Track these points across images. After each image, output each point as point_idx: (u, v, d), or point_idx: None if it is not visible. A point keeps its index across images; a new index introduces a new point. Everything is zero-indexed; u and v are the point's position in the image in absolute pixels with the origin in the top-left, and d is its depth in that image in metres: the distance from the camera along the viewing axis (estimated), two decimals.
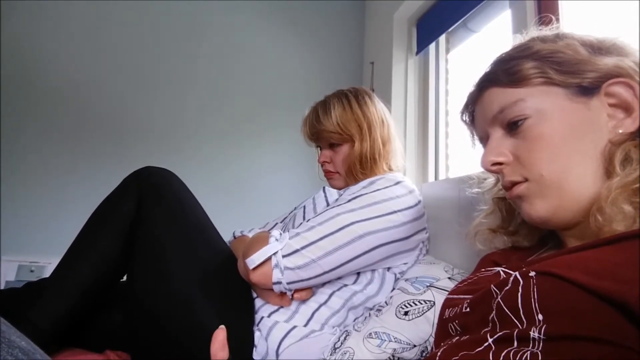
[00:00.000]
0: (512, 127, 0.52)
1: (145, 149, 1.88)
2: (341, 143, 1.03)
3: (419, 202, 0.92)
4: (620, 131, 0.47)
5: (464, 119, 0.63)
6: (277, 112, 2.08)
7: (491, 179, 0.68)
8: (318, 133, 1.05)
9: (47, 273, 1.50)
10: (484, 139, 0.58)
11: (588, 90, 0.49)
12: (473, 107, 0.60)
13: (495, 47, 1.36)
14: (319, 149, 1.11)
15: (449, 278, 0.82)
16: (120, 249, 0.82)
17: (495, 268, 0.54)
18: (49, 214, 1.71)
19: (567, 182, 0.48)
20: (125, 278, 0.86)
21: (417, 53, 1.77)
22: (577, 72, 0.49)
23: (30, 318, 0.73)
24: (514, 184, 0.52)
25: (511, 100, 0.52)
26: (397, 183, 0.91)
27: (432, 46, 1.71)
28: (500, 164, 0.53)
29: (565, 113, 0.49)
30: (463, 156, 1.52)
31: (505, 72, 0.53)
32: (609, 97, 0.49)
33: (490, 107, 0.54)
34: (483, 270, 0.58)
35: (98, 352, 0.85)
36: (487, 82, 0.56)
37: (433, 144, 1.66)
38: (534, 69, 0.51)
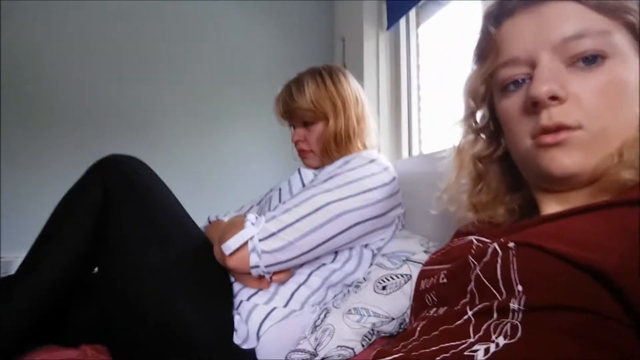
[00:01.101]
0: (583, 61, 0.43)
1: (109, 136, 1.82)
2: (315, 121, 1.02)
3: (394, 178, 0.92)
4: None
5: (491, 16, 0.50)
6: (248, 91, 2.04)
7: (468, 137, 0.59)
8: (291, 111, 1.02)
9: (14, 268, 1.44)
10: (520, 62, 0.47)
11: None
12: (514, 10, 0.48)
13: (466, 18, 1.36)
14: (292, 127, 1.09)
15: (425, 251, 0.84)
16: (88, 241, 0.79)
17: (467, 237, 0.54)
18: (12, 207, 1.64)
19: (614, 142, 0.43)
20: (97, 270, 0.84)
21: (387, 28, 1.75)
22: None
23: None
24: (562, 128, 0.43)
25: (598, 28, 0.43)
26: (372, 161, 0.91)
27: (402, 21, 1.69)
28: (556, 98, 0.43)
29: (636, 67, 0.43)
30: (435, 131, 1.53)
31: None
32: None
33: (561, 25, 0.43)
34: (456, 239, 0.58)
35: (74, 347, 0.83)
36: None
37: (406, 119, 1.67)
38: (634, 4, 0.43)
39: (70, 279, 0.79)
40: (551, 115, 0.44)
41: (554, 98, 0.43)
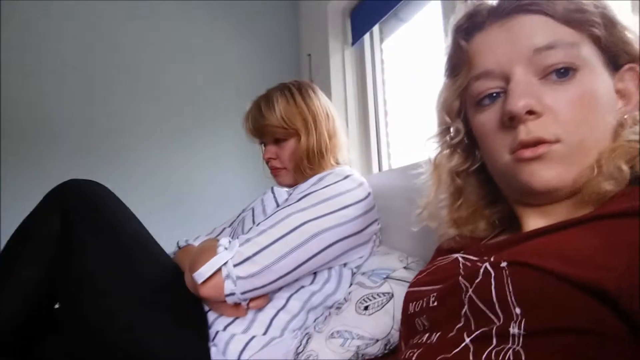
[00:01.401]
0: (555, 74, 0.43)
1: (66, 158, 1.72)
2: (286, 138, 0.99)
3: (369, 194, 0.91)
4: (626, 116, 0.45)
5: (460, 30, 0.50)
6: (214, 108, 1.99)
7: (444, 152, 0.59)
8: (262, 128, 1.00)
9: None
10: (493, 76, 0.47)
11: (616, 66, 0.46)
12: (485, 24, 0.48)
13: (425, 35, 1.40)
14: (262, 145, 1.07)
15: (405, 267, 0.83)
16: (47, 271, 0.74)
17: (451, 255, 0.53)
18: None
19: (592, 154, 0.43)
20: (58, 303, 0.78)
21: (352, 44, 1.78)
22: (623, 43, 0.45)
23: None
24: (540, 142, 0.43)
25: (567, 40, 0.43)
26: (346, 177, 0.89)
27: (366, 37, 1.73)
28: (533, 112, 0.43)
29: (605, 78, 0.44)
30: (404, 144, 1.56)
31: (567, 5, 0.43)
32: (619, 81, 0.46)
33: (532, 36, 0.44)
34: (439, 258, 0.57)
35: None
36: (536, 6, 0.44)
37: (374, 133, 1.68)
38: (598, 18, 0.43)
39: (33, 309, 0.75)
40: (529, 130, 0.44)
41: (531, 112, 0.43)
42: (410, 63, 1.51)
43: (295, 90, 1.01)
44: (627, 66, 0.46)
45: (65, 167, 1.66)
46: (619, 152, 0.42)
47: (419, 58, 1.43)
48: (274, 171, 1.04)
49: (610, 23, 0.45)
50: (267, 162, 1.05)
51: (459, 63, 0.52)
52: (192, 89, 1.98)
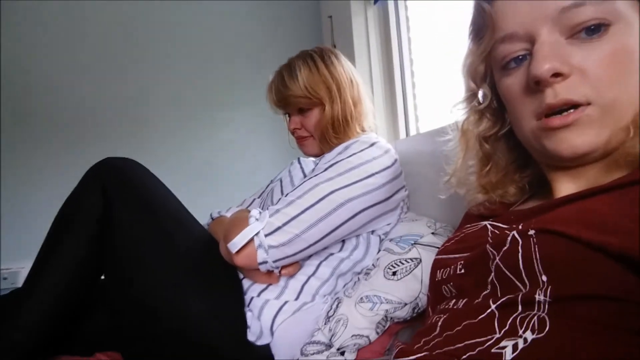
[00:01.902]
0: (585, 32, 0.40)
1: (100, 141, 1.79)
2: (311, 107, 0.99)
3: (396, 160, 0.90)
4: None
5: (482, 3, 0.48)
6: (239, 79, 1.99)
7: (471, 118, 0.57)
8: (285, 99, 0.99)
9: (21, 278, 1.44)
10: (517, 38, 0.44)
11: None
12: None
13: None
14: (287, 116, 1.06)
15: (433, 233, 0.83)
16: (91, 248, 0.78)
17: (480, 222, 0.53)
18: (16, 217, 1.63)
19: (626, 114, 0.40)
20: (103, 277, 0.83)
21: (375, 2, 1.70)
22: None
23: (8, 335, 0.70)
24: (570, 105, 0.41)
25: None
26: (372, 144, 0.89)
27: None
28: (559, 75, 0.41)
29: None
30: (432, 106, 1.51)
31: None
32: None
33: None
34: (468, 225, 0.57)
35: (87, 356, 0.83)
36: None
37: (401, 97, 1.63)
38: None
39: (77, 288, 0.79)
40: (557, 93, 0.41)
41: (557, 75, 0.41)
42: (438, 19, 1.43)
43: (317, 58, 0.99)
44: None
45: (91, 146, 1.73)
46: None
47: (447, 13, 1.35)
48: (300, 141, 1.04)
49: None
50: (293, 133, 1.04)
51: (483, 26, 0.49)
52: (213, 60, 1.97)
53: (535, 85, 0.43)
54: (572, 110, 0.42)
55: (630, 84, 0.41)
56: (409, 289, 0.76)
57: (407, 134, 1.57)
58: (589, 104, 0.41)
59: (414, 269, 0.77)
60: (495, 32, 0.47)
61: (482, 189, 0.57)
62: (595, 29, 0.40)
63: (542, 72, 0.41)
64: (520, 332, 0.34)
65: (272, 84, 1.02)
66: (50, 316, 0.75)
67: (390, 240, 0.87)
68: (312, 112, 0.99)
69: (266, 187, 1.11)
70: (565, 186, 0.48)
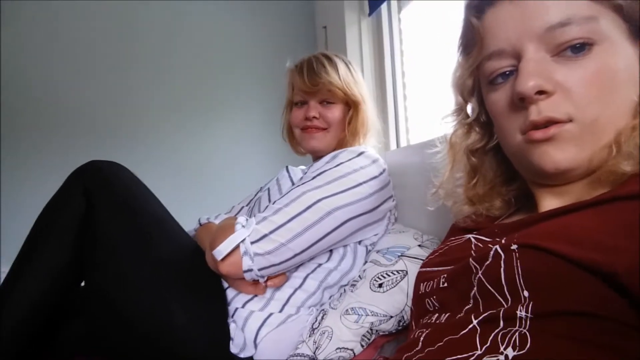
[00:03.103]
0: (570, 50, 0.40)
1: (87, 141, 1.77)
2: (335, 102, 0.99)
3: (384, 170, 0.90)
4: None
5: (471, 7, 0.49)
6: (231, 85, 1.99)
7: (459, 131, 0.57)
8: (320, 84, 0.96)
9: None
10: (504, 54, 0.45)
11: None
12: (492, 4, 0.46)
13: (445, 3, 1.33)
14: (296, 105, 1.03)
15: (419, 246, 0.83)
16: (71, 253, 0.77)
17: (464, 235, 0.53)
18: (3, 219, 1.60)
19: (607, 133, 0.41)
20: (84, 282, 0.81)
21: (369, 14, 1.71)
22: None
23: None
24: (552, 122, 0.42)
25: (583, 13, 0.40)
26: (360, 154, 0.89)
27: (384, 6, 1.66)
28: (544, 92, 0.41)
29: (626, 51, 0.41)
30: (423, 118, 1.52)
31: None
32: None
33: (544, 13, 0.41)
34: (452, 238, 0.56)
35: None
36: None
37: (392, 108, 1.65)
38: None
39: (59, 291, 0.77)
40: (540, 110, 0.42)
41: (540, 92, 0.42)
42: (430, 32, 1.44)
43: (352, 66, 1.03)
44: None
45: (84, 149, 1.71)
46: (636, 131, 0.40)
47: (439, 27, 1.37)
48: (310, 132, 1.00)
49: None
50: (305, 122, 1.00)
51: (471, 41, 0.50)
52: (207, 67, 1.97)
53: (520, 102, 0.43)
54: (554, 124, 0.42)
55: (611, 103, 0.41)
56: (394, 302, 0.75)
57: (398, 145, 1.58)
58: (570, 120, 0.42)
59: (400, 282, 0.77)
60: (483, 47, 0.48)
61: (469, 201, 0.57)
62: (579, 48, 0.41)
63: (526, 89, 0.41)
64: (502, 348, 0.34)
65: (306, 67, 0.98)
66: (26, 322, 0.73)
67: (377, 251, 0.86)
68: (336, 107, 0.99)
69: (254, 195, 1.10)
70: (549, 202, 0.48)
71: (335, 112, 0.99)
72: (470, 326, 0.38)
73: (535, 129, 0.43)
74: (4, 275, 1.50)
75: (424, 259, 0.78)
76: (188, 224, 0.99)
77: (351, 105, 0.99)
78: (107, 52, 1.82)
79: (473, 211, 0.57)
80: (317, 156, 1.02)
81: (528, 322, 0.34)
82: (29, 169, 1.69)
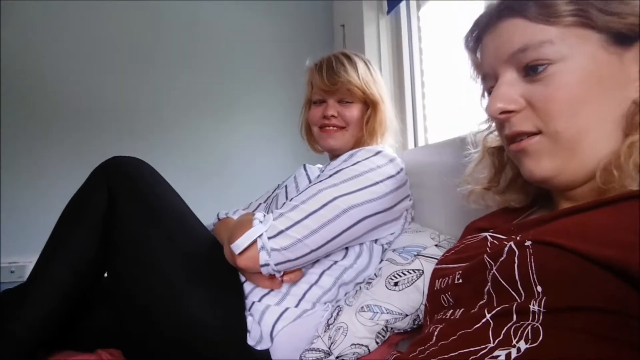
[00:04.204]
0: (531, 70, 0.45)
1: (111, 137, 1.83)
2: (354, 101, 1.00)
3: (401, 169, 0.91)
4: None
5: (468, 45, 0.55)
6: (249, 84, 2.02)
7: (481, 122, 0.62)
8: (340, 83, 0.97)
9: (28, 272, 1.46)
10: (490, 78, 0.51)
11: (626, 38, 0.43)
12: (482, 34, 0.52)
13: (464, 0, 1.31)
14: (315, 104, 1.03)
15: (436, 245, 0.83)
16: (96, 245, 0.79)
17: (481, 234, 0.53)
18: (23, 211, 1.66)
19: (581, 144, 0.44)
20: (107, 274, 0.84)
21: (388, 12, 1.71)
22: (622, 14, 0.42)
23: (10, 329, 0.71)
24: (522, 135, 0.47)
25: (538, 39, 0.44)
26: (377, 153, 0.89)
27: (403, 4, 1.65)
28: (510, 112, 0.47)
29: (596, 64, 0.43)
30: (441, 117, 1.51)
31: (536, 3, 0.45)
32: None
33: (509, 42, 0.47)
34: (469, 237, 0.57)
35: (89, 352, 0.84)
36: (511, 10, 0.47)
37: (410, 107, 1.64)
38: (571, 4, 0.44)
39: (82, 284, 0.80)
40: (511, 125, 0.48)
41: (505, 113, 0.47)
42: (449, 31, 1.43)
43: (371, 65, 1.03)
44: None
45: (106, 145, 1.76)
46: (636, 149, 0.41)
47: (458, 25, 1.36)
48: (328, 131, 1.01)
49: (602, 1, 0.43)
50: (323, 120, 1.01)
51: (475, 69, 0.57)
52: (225, 65, 2.00)
53: (494, 120, 0.50)
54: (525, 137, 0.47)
55: (578, 114, 0.44)
56: (410, 300, 0.76)
57: (416, 144, 1.57)
58: (540, 132, 0.46)
59: (416, 281, 0.77)
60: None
61: (490, 192, 0.60)
62: (535, 68, 0.45)
63: (491, 112, 0.48)
64: (514, 341, 0.34)
65: (325, 66, 0.99)
66: (53, 312, 0.75)
67: (393, 250, 0.87)
68: (354, 106, 1.00)
69: (272, 192, 1.11)
70: (565, 204, 0.49)
71: (353, 111, 0.99)
72: (484, 320, 0.38)
73: (512, 142, 0.48)
74: (12, 267, 1.56)
75: None
76: (206, 219, 1.01)
77: (369, 105, 0.99)
78: (129, 50, 1.87)
79: (493, 202, 0.60)
80: (334, 155, 1.03)
81: (541, 316, 0.35)
82: (43, 163, 1.74)
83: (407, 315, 0.75)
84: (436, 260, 0.78)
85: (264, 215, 0.81)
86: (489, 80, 0.52)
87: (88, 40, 1.83)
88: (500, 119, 0.48)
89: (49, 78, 1.77)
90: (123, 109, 1.86)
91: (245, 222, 0.81)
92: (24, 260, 1.59)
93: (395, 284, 0.77)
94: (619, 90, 0.43)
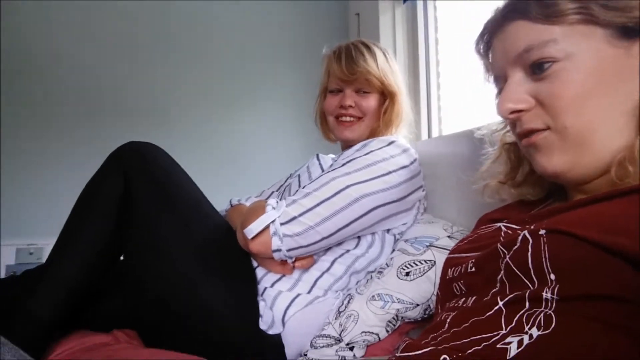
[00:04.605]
0: (537, 69, 0.46)
1: (126, 124, 1.84)
2: (371, 92, 0.98)
3: (415, 160, 0.90)
4: None
5: (479, 49, 0.57)
6: (263, 72, 2.01)
7: (498, 121, 0.63)
8: (359, 72, 0.95)
9: (46, 254, 1.49)
10: (500, 79, 0.52)
11: (633, 31, 0.43)
12: (491, 37, 0.53)
13: None
14: (332, 93, 1.02)
15: (449, 237, 0.82)
16: (112, 229, 0.80)
17: (495, 224, 0.53)
18: (42, 194, 1.70)
19: (591, 138, 0.44)
20: (122, 258, 0.86)
21: (404, 1, 1.68)
22: (626, 8, 0.43)
23: (30, 309, 0.73)
24: (533, 131, 0.48)
25: (541, 39, 0.46)
26: (391, 143, 0.89)
27: None
28: (520, 111, 0.48)
29: (602, 59, 0.44)
30: (456, 108, 1.49)
31: (538, 3, 0.46)
32: None
33: (515, 43, 0.48)
34: (483, 227, 0.57)
35: (106, 333, 0.86)
36: (515, 12, 0.48)
37: (425, 97, 1.62)
38: (573, 2, 0.44)
39: (99, 267, 0.81)
40: (522, 123, 0.49)
41: (515, 112, 0.48)
42: (467, 20, 1.40)
43: (389, 55, 1.02)
44: None
45: (119, 133, 1.78)
46: None
47: (475, 15, 1.33)
48: (344, 123, 1.00)
49: None
50: (340, 109, 1.00)
51: (487, 71, 0.58)
52: (239, 54, 2.00)
53: (506, 120, 0.51)
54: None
55: (585, 110, 0.44)
56: (421, 290, 0.76)
57: (429, 135, 1.56)
58: (548, 128, 0.47)
59: (427, 271, 0.77)
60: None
61: (507, 182, 0.60)
62: (540, 66, 0.46)
63: (502, 112, 0.49)
64: (526, 328, 0.35)
65: (344, 54, 0.98)
66: (73, 294, 0.77)
67: (405, 240, 0.87)
68: (372, 96, 0.99)
69: (285, 181, 1.12)
70: (578, 195, 0.49)
71: (370, 102, 0.98)
72: (496, 307, 0.39)
73: (524, 137, 0.49)
74: (30, 249, 1.60)
75: None
76: (219, 206, 1.02)
77: (387, 96, 0.98)
78: (138, 37, 1.87)
79: (509, 195, 0.60)
80: (347, 145, 1.03)
81: (554, 303, 0.35)
82: (60, 148, 1.77)
83: (418, 305, 0.75)
84: (448, 252, 0.78)
85: (277, 202, 0.82)
86: (500, 82, 0.53)
87: (99, 27, 1.83)
88: (511, 118, 0.49)
89: (49, 79, 1.78)
90: (136, 96, 1.87)
91: (259, 208, 0.81)
92: (42, 243, 1.63)
93: (407, 274, 0.77)
94: (628, 83, 0.43)
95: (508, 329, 0.36)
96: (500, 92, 0.53)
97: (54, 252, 0.81)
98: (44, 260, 0.85)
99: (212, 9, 1.97)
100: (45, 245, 1.63)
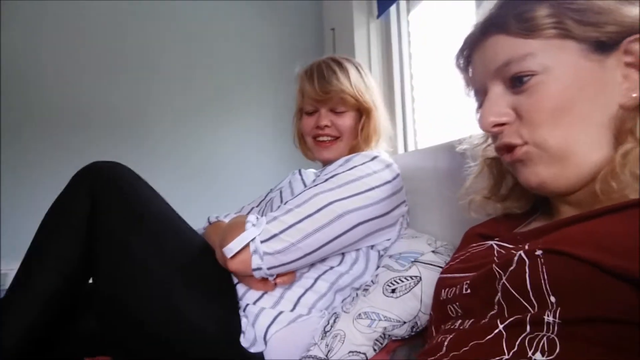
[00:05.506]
0: (516, 82, 0.47)
1: (92, 139, 1.78)
2: (347, 110, 0.97)
3: (397, 175, 0.90)
4: (634, 95, 0.43)
5: (459, 64, 0.57)
6: (239, 87, 2.00)
7: (478, 135, 0.63)
8: (332, 92, 0.93)
9: (9, 280, 1.40)
10: (480, 93, 0.53)
11: (606, 46, 0.44)
12: (470, 52, 0.54)
13: (454, 5, 1.33)
14: (307, 114, 1.00)
15: (433, 252, 0.82)
16: (80, 251, 0.77)
17: (486, 242, 0.53)
18: (3, 218, 1.60)
19: (571, 149, 0.45)
20: (91, 281, 0.81)
21: (378, 16, 1.72)
22: (599, 23, 0.44)
23: None
24: (513, 146, 0.48)
25: (520, 53, 0.46)
26: (373, 158, 0.89)
27: (393, 8, 1.66)
28: (502, 124, 0.48)
29: (577, 72, 0.45)
30: (431, 122, 1.52)
31: (516, 18, 0.46)
32: (627, 55, 0.44)
33: (494, 57, 0.49)
34: (474, 245, 0.57)
35: None
36: (493, 27, 0.49)
37: (400, 111, 1.65)
38: (549, 17, 0.45)
39: (67, 291, 0.77)
40: (502, 137, 0.49)
41: (497, 126, 0.49)
42: (439, 35, 1.44)
43: (363, 70, 1.00)
44: (633, 37, 0.44)
45: (91, 147, 1.72)
46: (631, 158, 0.42)
47: (448, 29, 1.37)
48: (321, 143, 0.99)
49: (570, 4, 0.45)
50: (317, 130, 0.98)
51: (467, 85, 0.59)
52: (214, 66, 1.98)
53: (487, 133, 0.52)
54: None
55: (562, 124, 0.45)
56: (408, 307, 0.75)
57: (406, 148, 1.58)
58: (526, 143, 0.47)
59: (413, 287, 0.77)
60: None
61: (491, 197, 0.60)
62: (519, 80, 0.47)
63: (484, 126, 0.49)
64: (530, 353, 0.34)
65: (316, 74, 0.96)
66: (38, 321, 0.73)
67: (390, 256, 0.86)
68: (347, 114, 0.97)
69: (265, 196, 1.10)
70: (566, 209, 0.50)
71: (347, 120, 0.97)
72: (496, 331, 0.38)
73: (506, 152, 0.50)
74: (3, 274, 1.50)
75: (438, 265, 0.78)
76: (195, 224, 0.99)
77: (363, 112, 0.97)
78: (114, 48, 1.83)
79: (492, 207, 0.60)
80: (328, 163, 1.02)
81: (556, 327, 0.34)
82: (27, 168, 1.69)
83: (405, 322, 0.74)
84: (434, 267, 0.78)
85: (257, 218, 0.80)
86: (480, 95, 0.53)
87: (79, 43, 1.78)
88: (494, 132, 0.49)
89: (49, 80, 1.73)
90: (115, 112, 1.84)
91: (238, 225, 0.79)
92: (5, 268, 1.53)
93: (393, 290, 0.77)
94: (603, 94, 0.45)
95: (510, 353, 0.35)
96: (480, 105, 0.53)
97: (17, 277, 0.76)
98: (6, 287, 0.79)
99: (187, 26, 1.95)
100: (8, 271, 1.53)
